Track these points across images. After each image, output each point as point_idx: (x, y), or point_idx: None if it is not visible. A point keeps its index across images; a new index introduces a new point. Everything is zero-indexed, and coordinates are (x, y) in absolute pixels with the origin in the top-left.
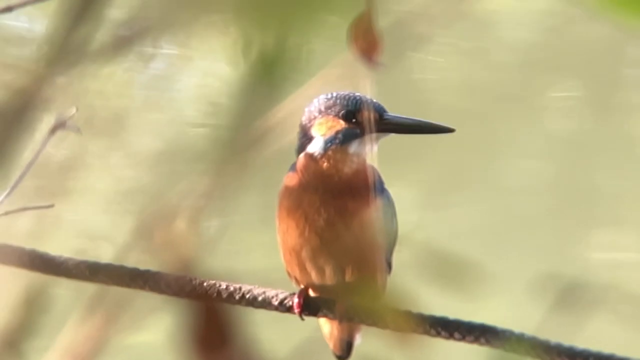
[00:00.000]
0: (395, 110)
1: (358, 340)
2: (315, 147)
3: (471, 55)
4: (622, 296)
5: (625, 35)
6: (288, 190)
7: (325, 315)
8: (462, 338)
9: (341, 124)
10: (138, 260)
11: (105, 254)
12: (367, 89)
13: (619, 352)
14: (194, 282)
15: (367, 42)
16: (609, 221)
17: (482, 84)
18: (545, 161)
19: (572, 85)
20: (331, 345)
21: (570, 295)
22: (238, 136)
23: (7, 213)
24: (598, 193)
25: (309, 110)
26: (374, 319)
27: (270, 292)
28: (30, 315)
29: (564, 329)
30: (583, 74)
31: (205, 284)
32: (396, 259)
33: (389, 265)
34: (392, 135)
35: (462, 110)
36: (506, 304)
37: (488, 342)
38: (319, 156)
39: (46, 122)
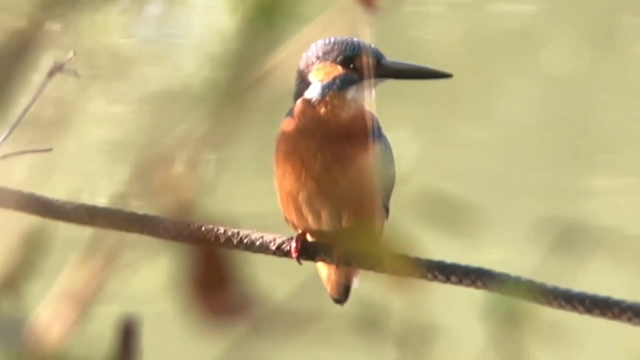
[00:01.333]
0: (393, 56)
1: (355, 284)
2: (312, 92)
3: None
4: (620, 239)
5: None
6: (285, 136)
7: (322, 260)
8: (459, 282)
9: (339, 70)
10: (136, 205)
11: (103, 198)
12: (365, 35)
13: (616, 295)
14: (191, 227)
15: None
16: (608, 163)
17: (481, 30)
18: (544, 104)
19: (571, 31)
20: (329, 289)
21: (568, 238)
22: (236, 81)
23: (5, 156)
24: (597, 136)
25: (307, 56)
26: (372, 263)
27: (267, 237)
28: (29, 258)
29: (562, 272)
30: (582, 20)
31: (203, 228)
32: (394, 203)
33: (387, 210)
34: (390, 80)
35: (461, 56)
36: (504, 246)
37: (484, 286)
38: (316, 102)
39: (44, 65)
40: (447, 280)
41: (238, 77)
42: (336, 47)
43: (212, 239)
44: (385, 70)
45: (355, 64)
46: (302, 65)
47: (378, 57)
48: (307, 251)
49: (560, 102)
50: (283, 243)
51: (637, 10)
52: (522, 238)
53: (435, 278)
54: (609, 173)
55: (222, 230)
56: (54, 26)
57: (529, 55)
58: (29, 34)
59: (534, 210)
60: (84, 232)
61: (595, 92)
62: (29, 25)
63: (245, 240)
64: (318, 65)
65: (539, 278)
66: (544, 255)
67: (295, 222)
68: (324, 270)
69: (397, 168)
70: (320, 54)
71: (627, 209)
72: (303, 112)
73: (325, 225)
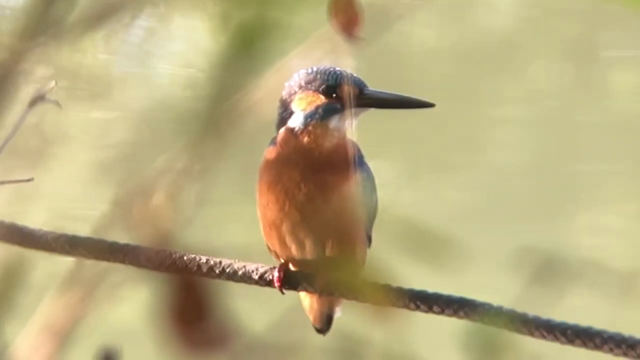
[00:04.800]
0: (375, 85)
1: (338, 313)
2: (295, 121)
3: (453, 26)
4: (600, 270)
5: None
6: (268, 165)
7: (305, 289)
8: (441, 311)
9: (321, 99)
10: (117, 234)
11: (83, 227)
12: (347, 64)
13: (598, 325)
14: (174, 256)
15: (347, 16)
16: (589, 199)
17: (465, 49)
18: (528, 139)
19: (555, 64)
20: (311, 318)
21: (549, 269)
22: (218, 109)
23: None
24: (579, 172)
25: (289, 85)
26: (354, 293)
27: (250, 266)
28: (8, 289)
29: (543, 303)
30: (565, 50)
31: (185, 257)
32: (377, 232)
33: (369, 239)
34: (372, 109)
35: (443, 84)
36: (485, 277)
37: (467, 315)
38: (299, 131)
39: (25, 94)
40: (429, 310)
41: (220, 105)
42: (318, 76)
43: (194, 268)
44: (368, 100)
45: (338, 93)
46: (284, 94)
47: (360, 86)
48: (289, 280)
49: (545, 138)
50: (265, 272)
51: (616, 33)
52: (502, 269)
53: (417, 308)
54: (590, 204)
55: (204, 259)
56: (35, 55)
57: (513, 75)
58: (10, 64)
59: (515, 241)
60: (63, 263)
61: (578, 118)
62: (10, 55)
63: (227, 270)
64: (301, 94)
65: (520, 308)
66: (524, 286)
67: (278, 251)
68: (306, 299)
69: (378, 196)
70: (303, 83)
71: (607, 240)
72: (286, 141)
73: (309, 254)
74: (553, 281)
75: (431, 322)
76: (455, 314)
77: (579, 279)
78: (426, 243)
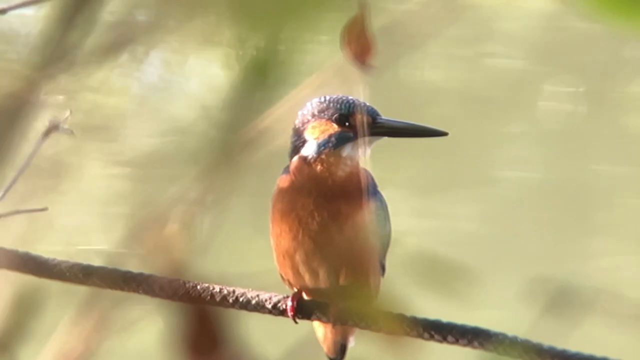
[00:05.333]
0: (388, 114)
1: (351, 342)
2: (308, 150)
3: (465, 59)
4: (615, 299)
5: (619, 32)
6: (282, 194)
7: (318, 319)
8: (455, 341)
9: (334, 128)
10: (130, 264)
11: (97, 257)
12: (360, 93)
13: (611, 356)
14: (187, 285)
15: (360, 45)
16: (602, 226)
17: (475, 88)
18: (539, 166)
19: (567, 87)
20: (325, 348)
21: (563, 298)
22: (231, 139)
23: (0, 216)
24: (592, 199)
25: (302, 114)
26: (368, 322)
27: (263, 295)
28: (22, 318)
29: (557, 333)
30: (578, 73)
31: (198, 287)
32: (389, 261)
33: (383, 268)
34: (385, 138)
35: (455, 114)
36: (499, 307)
37: (481, 345)
38: (312, 159)
39: (40, 124)
40: (444, 339)
41: (233, 135)
42: (331, 105)
43: (208, 297)
44: (381, 128)
45: (351, 122)
46: (297, 122)
47: (373, 115)
48: (302, 310)
49: (556, 164)
50: (279, 302)
51: (630, 54)
52: (515, 299)
53: (431, 337)
54: (604, 234)
55: (217, 289)
56: (50, 84)
57: (525, 109)
58: (25, 93)
59: (529, 270)
60: (77, 292)
61: (591, 148)
62: (26, 84)
63: (241, 299)
64: (314, 123)
65: (534, 338)
66: (538, 316)
67: (292, 280)
68: (320, 329)
69: (392, 226)
70: (316, 111)
71: (621, 270)
72: (299, 169)
73: (323, 283)
74: (567, 310)
75: (445, 352)
76: (469, 344)
77: (593, 308)
78: (439, 272)
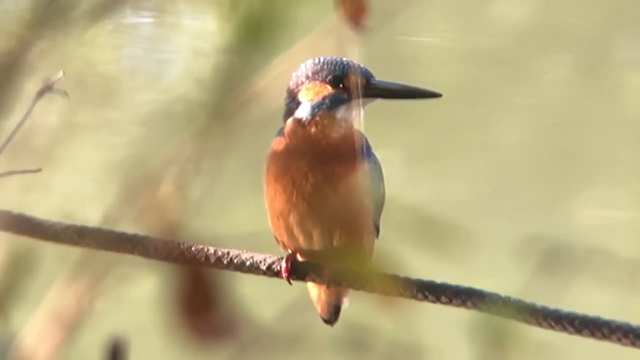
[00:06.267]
0: (382, 75)
1: (346, 304)
2: (302, 112)
3: (462, 22)
4: (608, 258)
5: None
6: (276, 156)
7: (312, 280)
8: (449, 302)
9: (328, 89)
10: (125, 225)
11: (92, 218)
12: (354, 54)
13: (604, 315)
14: (182, 247)
15: (354, 6)
16: (594, 183)
17: (472, 50)
18: (532, 124)
19: (564, 54)
20: (319, 309)
21: (556, 257)
22: (224, 101)
23: None
24: (584, 154)
25: (296, 76)
26: (362, 283)
27: (258, 257)
28: (16, 279)
29: (550, 292)
30: (575, 41)
31: (193, 248)
32: (384, 223)
33: (377, 229)
34: (380, 100)
35: (450, 75)
36: (493, 267)
37: (474, 306)
38: (306, 121)
39: (33, 86)
40: (437, 300)
41: (227, 97)
42: (325, 66)
43: (203, 259)
44: (375, 90)
45: (345, 84)
46: (291, 84)
47: (367, 76)
48: (297, 271)
49: (550, 127)
50: (273, 263)
51: (627, 36)
52: (508, 258)
53: (425, 298)
54: (597, 191)
55: (212, 250)
56: (42, 46)
57: (521, 77)
58: (17, 54)
59: (523, 229)
60: (70, 252)
61: (585, 114)
62: (17, 45)
63: (235, 261)
64: (307, 84)
65: (526, 298)
66: (531, 275)
67: (286, 242)
68: (314, 290)
69: (386, 187)
70: (310, 73)
71: (615, 228)
72: (293, 131)
73: (317, 245)
74: (560, 270)
75: (439, 312)
76: (463, 304)
77: (586, 268)
78: (433, 233)
